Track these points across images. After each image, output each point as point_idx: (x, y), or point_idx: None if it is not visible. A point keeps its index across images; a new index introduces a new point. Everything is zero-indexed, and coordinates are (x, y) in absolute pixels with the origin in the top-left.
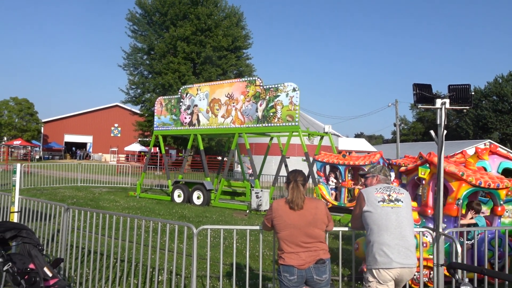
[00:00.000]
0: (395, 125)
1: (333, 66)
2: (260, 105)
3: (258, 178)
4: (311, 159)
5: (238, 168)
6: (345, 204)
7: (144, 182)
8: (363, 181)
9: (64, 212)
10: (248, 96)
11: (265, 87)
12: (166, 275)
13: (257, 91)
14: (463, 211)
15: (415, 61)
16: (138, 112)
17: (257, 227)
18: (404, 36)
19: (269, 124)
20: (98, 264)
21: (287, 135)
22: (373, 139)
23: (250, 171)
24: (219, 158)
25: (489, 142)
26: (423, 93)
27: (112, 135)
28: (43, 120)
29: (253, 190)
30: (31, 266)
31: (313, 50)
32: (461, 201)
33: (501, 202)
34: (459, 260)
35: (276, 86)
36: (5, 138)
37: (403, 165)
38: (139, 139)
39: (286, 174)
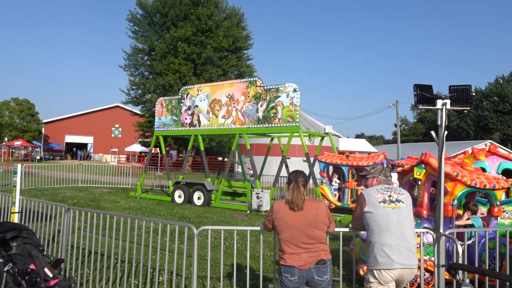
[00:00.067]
0: (395, 125)
1: (333, 67)
2: (261, 105)
3: (259, 178)
4: (311, 159)
5: (238, 169)
6: (349, 205)
7: (145, 183)
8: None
9: (64, 213)
10: (248, 96)
11: (265, 87)
12: (167, 275)
13: (257, 92)
14: (460, 212)
15: (416, 62)
16: (139, 112)
17: (258, 228)
18: (405, 37)
19: (270, 125)
20: (98, 265)
21: (287, 136)
22: (374, 140)
23: (251, 171)
24: (220, 158)
25: (490, 142)
26: (424, 94)
27: (112, 135)
28: (44, 121)
29: (253, 190)
30: (32, 266)
31: (314, 50)
32: (455, 201)
33: (498, 203)
34: (460, 261)
35: (276, 86)
36: (6, 139)
37: (406, 166)
38: (140, 139)
39: (286, 175)
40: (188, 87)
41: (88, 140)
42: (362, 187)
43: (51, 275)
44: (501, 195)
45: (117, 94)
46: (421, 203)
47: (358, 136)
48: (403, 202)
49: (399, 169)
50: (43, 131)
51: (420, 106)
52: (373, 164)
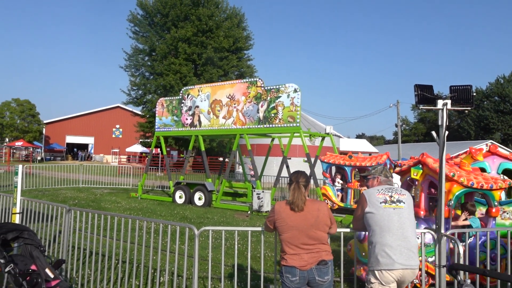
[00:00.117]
0: (396, 126)
1: (334, 67)
2: (262, 106)
3: (260, 179)
4: (312, 160)
5: (239, 169)
6: (351, 205)
7: (146, 183)
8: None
9: (65, 213)
10: (249, 97)
11: (266, 88)
12: (168, 276)
13: (258, 92)
14: (459, 212)
15: (417, 62)
16: (140, 113)
17: (259, 228)
18: (406, 37)
19: (271, 125)
20: (99, 265)
21: (288, 136)
22: (375, 140)
23: (252, 172)
24: (221, 159)
25: (490, 142)
26: (425, 94)
27: (113, 136)
28: (45, 121)
29: (254, 191)
30: (33, 267)
31: (314, 50)
32: (452, 202)
33: (496, 203)
34: (461, 262)
35: (277, 87)
36: (7, 139)
37: (404, 166)
38: (141, 140)
39: (287, 175)
40: (189, 87)
41: (89, 140)
42: (365, 188)
43: (52, 276)
44: (500, 196)
45: (117, 95)
46: (418, 204)
47: (358, 136)
48: (404, 203)
49: (397, 169)
50: (44, 132)
51: (421, 106)
52: (376, 165)
